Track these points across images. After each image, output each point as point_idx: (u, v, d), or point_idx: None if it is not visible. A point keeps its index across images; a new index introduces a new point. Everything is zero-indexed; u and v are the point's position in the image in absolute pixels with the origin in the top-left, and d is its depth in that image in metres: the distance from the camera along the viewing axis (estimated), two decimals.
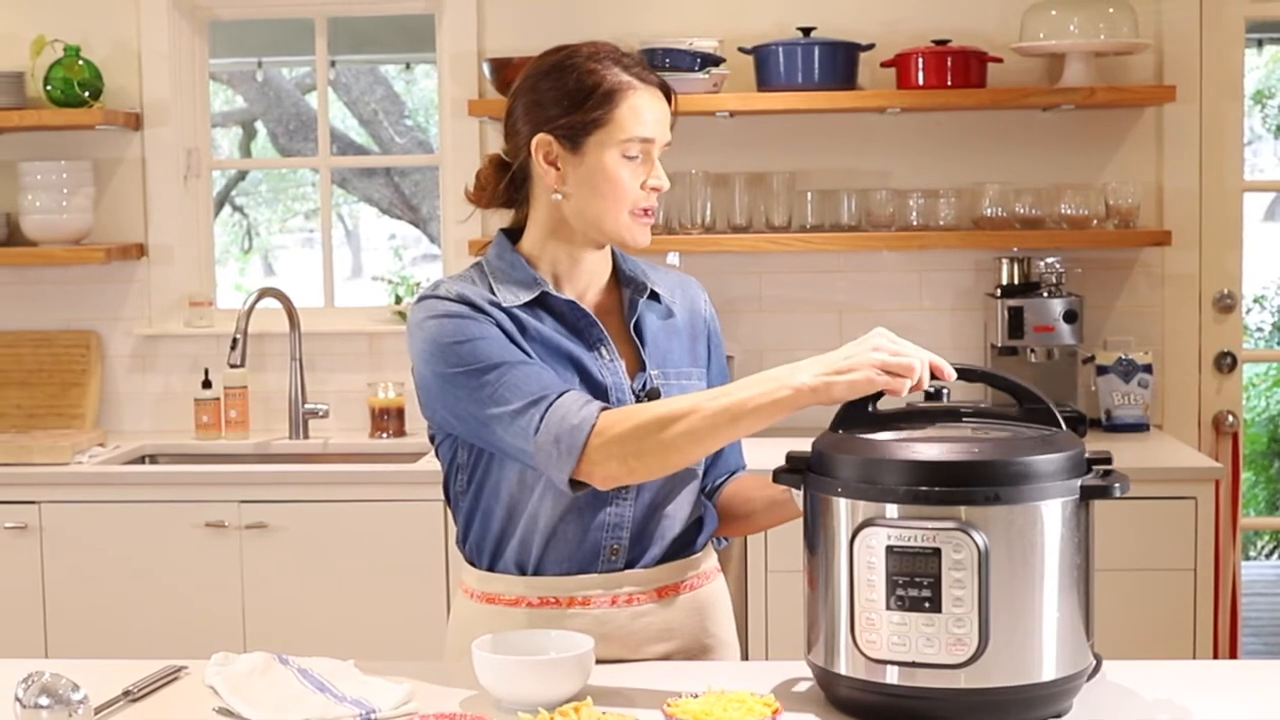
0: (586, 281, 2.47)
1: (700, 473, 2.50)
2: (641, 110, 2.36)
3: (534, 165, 2.40)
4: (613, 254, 2.51)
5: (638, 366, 2.43)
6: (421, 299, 2.41)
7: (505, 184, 2.46)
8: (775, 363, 4.98)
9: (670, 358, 2.48)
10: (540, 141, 2.38)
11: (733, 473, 2.61)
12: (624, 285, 2.49)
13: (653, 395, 2.40)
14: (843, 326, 4.74)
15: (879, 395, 2.17)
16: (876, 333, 2.18)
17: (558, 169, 2.38)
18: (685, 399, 2.25)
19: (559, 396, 2.26)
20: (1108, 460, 2.15)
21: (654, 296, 2.50)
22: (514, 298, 2.39)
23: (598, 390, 2.38)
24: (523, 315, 2.38)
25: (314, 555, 4.25)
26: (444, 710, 2.16)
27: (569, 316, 2.42)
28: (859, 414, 2.18)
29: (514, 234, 2.49)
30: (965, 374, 2.31)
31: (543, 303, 2.41)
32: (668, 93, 2.43)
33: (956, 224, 4.63)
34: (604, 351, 2.42)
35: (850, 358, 2.15)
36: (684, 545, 2.48)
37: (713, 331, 2.59)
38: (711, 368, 2.56)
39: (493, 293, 2.40)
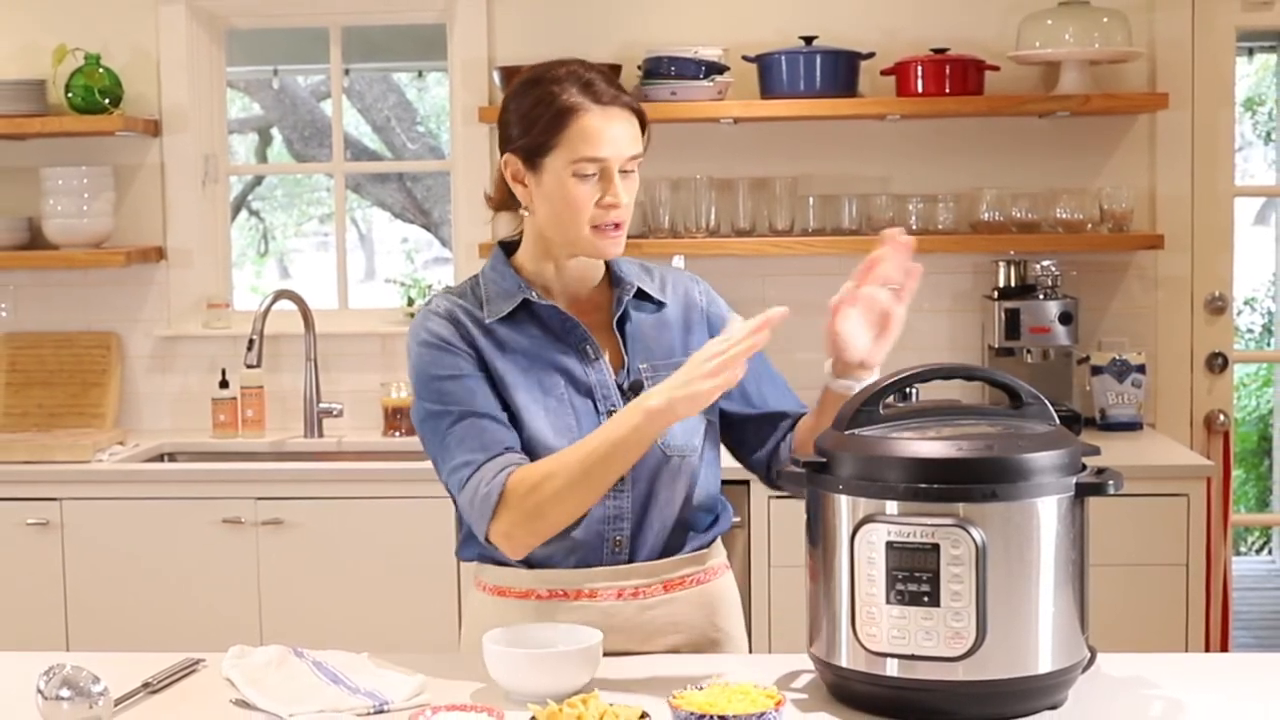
0: (576, 286, 2.53)
1: (697, 463, 2.52)
2: (591, 131, 2.38)
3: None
4: None
5: (623, 363, 2.51)
6: (421, 312, 2.53)
7: (508, 190, 2.52)
8: (779, 363, 5.02)
9: (658, 351, 2.53)
10: (507, 160, 2.47)
11: (794, 418, 2.61)
12: (615, 285, 2.55)
13: (636, 388, 2.46)
14: None
15: (881, 395, 2.22)
16: (705, 347, 2.28)
17: (524, 186, 2.46)
18: (562, 452, 2.36)
19: (487, 461, 2.38)
20: (1096, 452, 2.19)
21: (642, 295, 2.56)
22: (499, 310, 2.47)
23: (583, 389, 2.46)
24: (503, 330, 2.47)
25: (329, 551, 4.28)
26: (455, 702, 2.18)
27: (552, 322, 2.49)
28: (861, 413, 2.20)
29: (513, 243, 2.56)
30: (964, 374, 2.36)
31: (527, 309, 2.48)
32: (637, 111, 2.45)
33: (955, 228, 4.66)
34: (589, 351, 2.49)
35: (689, 378, 2.25)
36: (690, 537, 2.53)
37: (713, 316, 2.62)
38: None
39: (482, 306, 2.49)
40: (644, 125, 2.47)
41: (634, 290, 2.54)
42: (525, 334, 2.48)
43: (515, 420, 2.44)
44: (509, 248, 2.57)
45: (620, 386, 2.48)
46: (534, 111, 2.41)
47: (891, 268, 2.43)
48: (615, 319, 2.52)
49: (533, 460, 2.41)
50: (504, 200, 2.55)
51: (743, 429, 2.62)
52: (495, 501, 2.36)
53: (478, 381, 2.44)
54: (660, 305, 2.57)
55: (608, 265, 2.56)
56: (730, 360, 2.23)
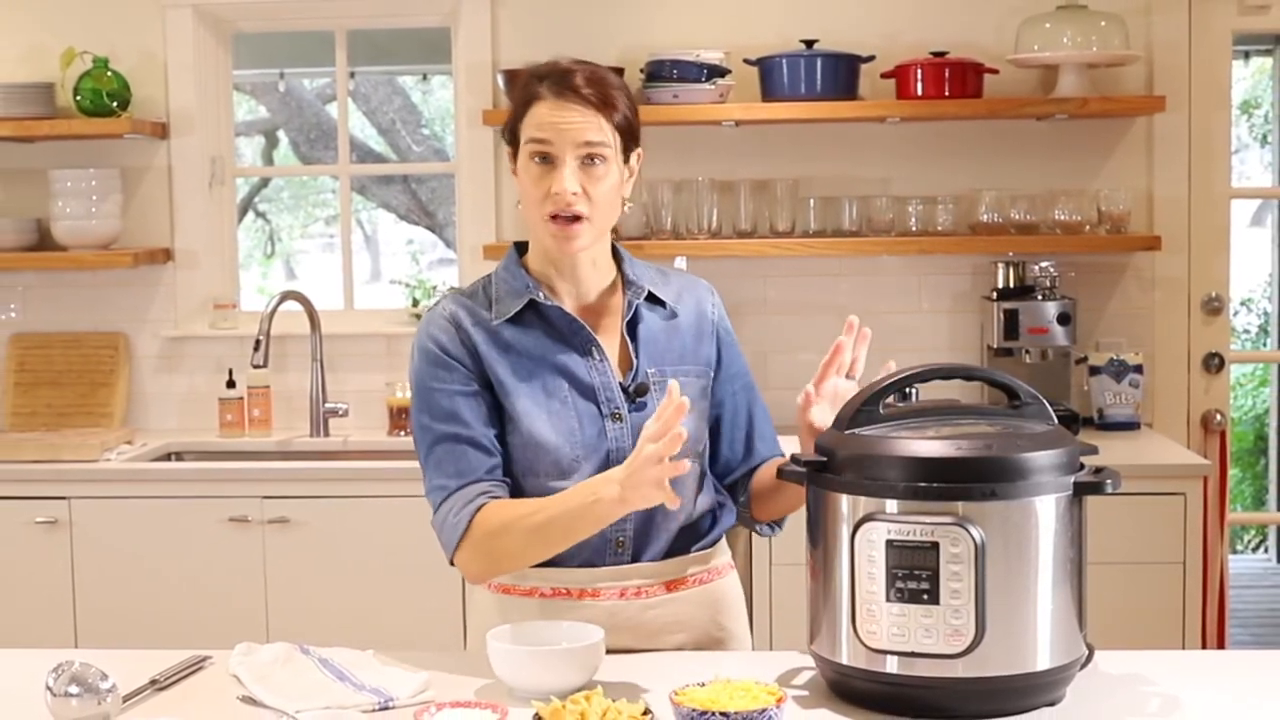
0: (584, 286, 2.55)
1: (703, 466, 2.56)
2: (541, 116, 2.43)
3: None
4: (616, 259, 2.59)
5: (631, 366, 2.53)
6: (428, 314, 2.56)
7: None
8: (780, 363, 5.05)
9: (668, 356, 2.55)
10: (508, 154, 2.54)
11: (765, 460, 2.65)
12: (626, 288, 2.56)
13: (641, 390, 2.48)
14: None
15: (881, 395, 2.24)
16: (648, 445, 2.23)
17: (515, 177, 2.52)
18: (531, 504, 2.39)
19: (459, 489, 2.44)
20: (1093, 451, 2.20)
21: (654, 299, 2.57)
22: (507, 310, 2.50)
23: (586, 391, 2.48)
24: (509, 331, 2.50)
25: (334, 549, 4.30)
26: (459, 699, 2.20)
27: (558, 323, 2.51)
28: (861, 413, 2.22)
29: (526, 245, 2.59)
30: (963, 374, 2.38)
31: (535, 310, 2.51)
32: (606, 106, 2.45)
33: (954, 229, 4.67)
34: (594, 353, 2.50)
35: (639, 480, 2.24)
36: (693, 538, 2.54)
37: (722, 331, 2.65)
38: (726, 367, 2.62)
39: (491, 307, 2.52)
40: (621, 124, 2.47)
41: (644, 294, 2.56)
42: (531, 335, 2.50)
43: (516, 425, 2.47)
44: (523, 248, 2.59)
45: (625, 389, 2.50)
46: (513, 104, 2.51)
47: (849, 354, 2.49)
48: (625, 322, 2.54)
49: (523, 469, 2.46)
50: None
51: (716, 444, 2.65)
52: (460, 534, 2.42)
53: (467, 398, 2.47)
54: (673, 310, 2.59)
55: (619, 269, 2.58)
56: (669, 449, 2.23)
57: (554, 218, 2.43)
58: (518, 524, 2.38)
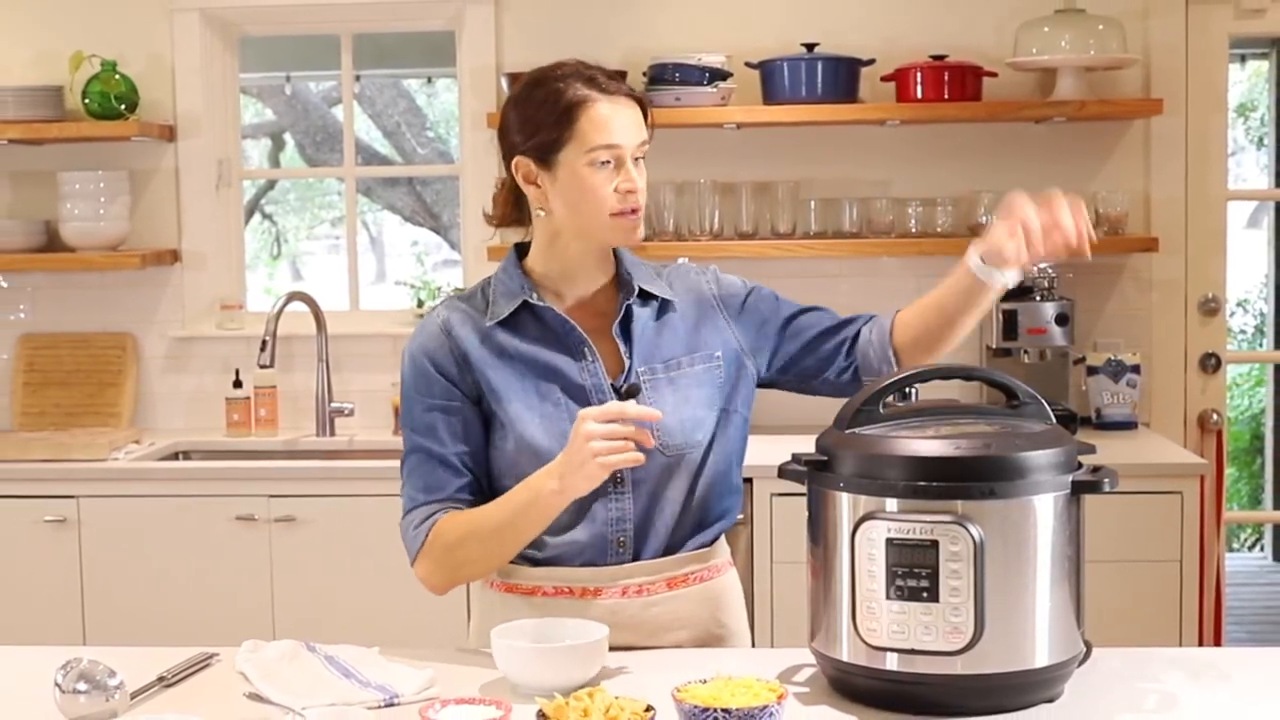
0: (584, 287, 2.55)
1: (699, 458, 2.52)
2: (602, 119, 2.41)
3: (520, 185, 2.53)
4: (616, 258, 2.59)
5: (623, 366, 2.53)
6: (426, 316, 2.59)
7: (511, 204, 2.58)
8: None
9: (658, 353, 2.53)
10: (518, 163, 2.48)
11: (868, 321, 2.63)
12: (621, 288, 2.55)
13: (632, 391, 2.45)
14: None
15: (881, 395, 2.24)
16: (585, 423, 2.30)
17: (538, 186, 2.47)
18: (480, 513, 2.44)
19: (423, 504, 2.48)
20: (1091, 451, 2.20)
21: (647, 295, 2.56)
22: (501, 311, 2.51)
23: (577, 393, 2.48)
24: (502, 334, 2.50)
25: (340, 547, 4.32)
26: (464, 695, 2.19)
27: (551, 324, 2.51)
28: (861, 412, 2.22)
29: (527, 246, 2.59)
30: (962, 374, 2.38)
31: (529, 311, 2.51)
32: (639, 100, 2.48)
33: (954, 231, 4.68)
34: (586, 354, 2.50)
35: (580, 459, 2.31)
36: (693, 534, 2.53)
37: (726, 298, 2.62)
38: (758, 319, 2.62)
39: (487, 309, 2.52)
40: (647, 114, 2.50)
41: (636, 292, 2.55)
42: (525, 336, 2.51)
43: (507, 431, 2.47)
44: (523, 250, 2.59)
45: (617, 389, 2.49)
46: (541, 111, 2.44)
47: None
48: (617, 322, 2.54)
49: (517, 474, 2.45)
50: (505, 216, 2.60)
51: (801, 366, 2.64)
52: (418, 547, 2.46)
53: (446, 415, 2.49)
54: (665, 307, 2.58)
55: (616, 268, 2.58)
56: (617, 445, 2.30)
57: (619, 214, 2.45)
58: (471, 535, 2.43)
